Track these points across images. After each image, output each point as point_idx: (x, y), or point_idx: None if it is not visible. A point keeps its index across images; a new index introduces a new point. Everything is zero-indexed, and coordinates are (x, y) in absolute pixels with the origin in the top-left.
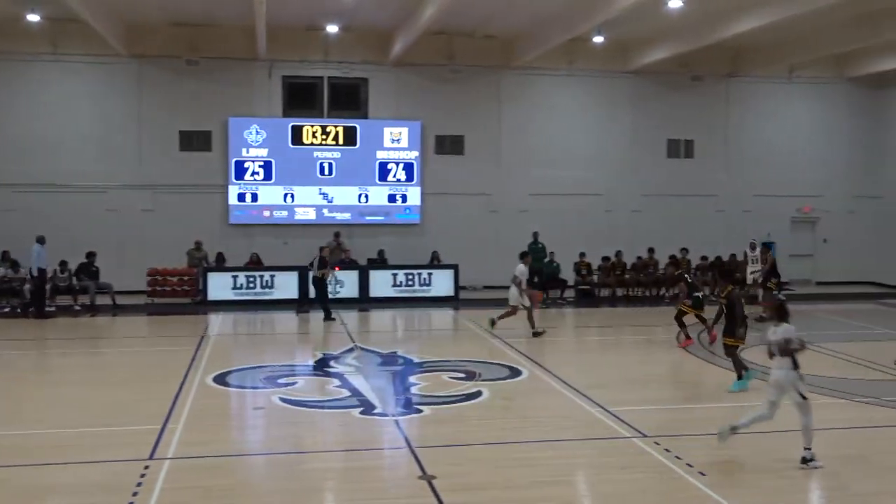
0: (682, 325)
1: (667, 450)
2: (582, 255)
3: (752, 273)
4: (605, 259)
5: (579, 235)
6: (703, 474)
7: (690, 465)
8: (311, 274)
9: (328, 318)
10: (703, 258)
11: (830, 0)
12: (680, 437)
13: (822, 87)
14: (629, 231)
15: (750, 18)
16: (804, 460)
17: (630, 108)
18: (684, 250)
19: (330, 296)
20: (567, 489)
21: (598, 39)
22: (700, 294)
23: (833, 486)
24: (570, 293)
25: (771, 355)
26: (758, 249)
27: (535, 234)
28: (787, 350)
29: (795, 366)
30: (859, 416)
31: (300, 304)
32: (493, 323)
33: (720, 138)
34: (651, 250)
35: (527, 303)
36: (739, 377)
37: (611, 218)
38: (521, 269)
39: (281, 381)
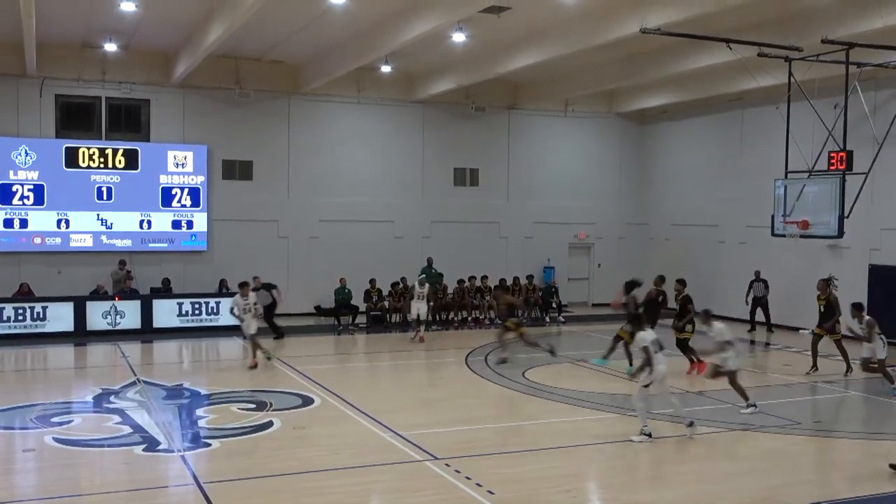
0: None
1: (457, 470)
2: (372, 281)
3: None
4: (395, 285)
5: (370, 262)
6: (492, 493)
7: (479, 485)
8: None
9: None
10: (484, 278)
11: (596, 42)
12: (469, 458)
13: (594, 120)
14: (419, 257)
15: (527, 55)
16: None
17: (419, 137)
18: (472, 278)
19: (109, 328)
20: None
21: (386, 69)
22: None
23: (612, 498)
24: (361, 319)
25: None
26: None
27: (430, 260)
28: None
29: None
30: (633, 429)
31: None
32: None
33: (503, 168)
34: (440, 275)
35: (253, 330)
36: None
37: (401, 244)
38: (237, 300)
39: (55, 419)
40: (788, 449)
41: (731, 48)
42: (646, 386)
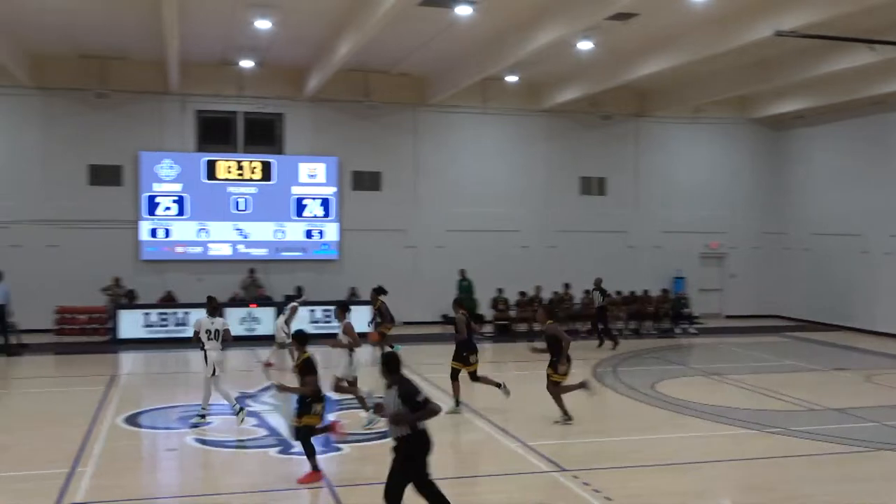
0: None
1: (585, 483)
2: (499, 290)
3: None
4: (522, 294)
5: (496, 271)
6: None
7: (609, 499)
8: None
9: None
10: (618, 293)
11: (727, 47)
12: (598, 471)
13: (725, 127)
14: (544, 266)
15: (655, 62)
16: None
17: (544, 146)
18: (567, 285)
19: (246, 333)
20: None
21: (512, 79)
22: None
23: None
24: (488, 328)
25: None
26: None
27: (462, 272)
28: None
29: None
30: (769, 446)
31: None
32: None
33: (630, 176)
34: (567, 285)
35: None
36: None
37: (527, 254)
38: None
39: (195, 420)
40: None
41: (873, 49)
42: (212, 375)
